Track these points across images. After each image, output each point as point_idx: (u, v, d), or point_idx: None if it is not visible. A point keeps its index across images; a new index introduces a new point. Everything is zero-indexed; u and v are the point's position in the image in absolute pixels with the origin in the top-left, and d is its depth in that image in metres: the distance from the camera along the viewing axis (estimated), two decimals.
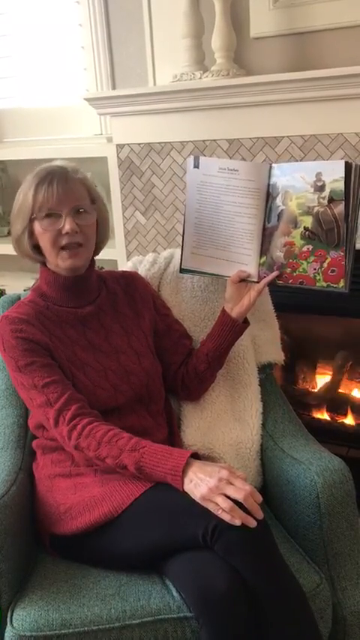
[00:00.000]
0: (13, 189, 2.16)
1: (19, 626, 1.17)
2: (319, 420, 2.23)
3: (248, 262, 1.49)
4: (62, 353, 1.41)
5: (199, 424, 1.56)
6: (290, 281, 1.44)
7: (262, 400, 1.61)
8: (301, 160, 1.81)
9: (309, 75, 1.70)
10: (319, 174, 1.36)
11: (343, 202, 1.34)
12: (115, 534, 1.26)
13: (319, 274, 1.40)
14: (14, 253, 1.50)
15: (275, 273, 1.45)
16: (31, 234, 1.42)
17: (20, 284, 2.37)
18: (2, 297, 1.68)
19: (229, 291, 1.52)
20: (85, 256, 1.44)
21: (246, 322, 1.55)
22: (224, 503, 1.14)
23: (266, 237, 1.46)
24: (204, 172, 1.49)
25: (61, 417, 1.32)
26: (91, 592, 1.24)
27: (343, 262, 1.37)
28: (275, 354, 1.69)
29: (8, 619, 1.19)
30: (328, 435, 1.90)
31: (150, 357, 1.51)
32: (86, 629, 1.16)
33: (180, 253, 1.58)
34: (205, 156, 1.91)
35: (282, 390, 1.73)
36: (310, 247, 1.40)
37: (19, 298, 1.61)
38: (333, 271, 1.38)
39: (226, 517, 1.14)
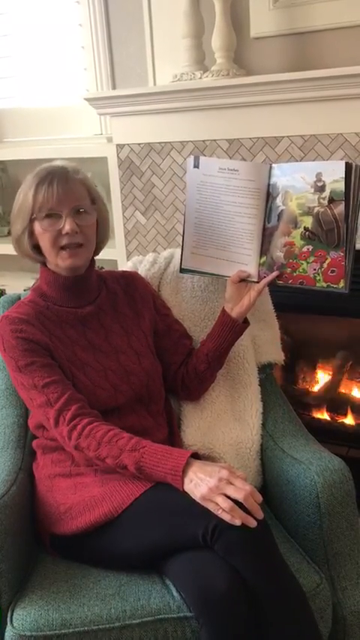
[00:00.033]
0: (13, 189, 2.16)
1: (20, 626, 1.17)
2: (319, 420, 2.23)
3: (248, 262, 1.49)
4: (62, 353, 1.41)
5: (199, 424, 1.56)
6: (290, 281, 1.44)
7: (262, 400, 1.61)
8: (301, 160, 1.81)
9: (309, 75, 1.70)
10: (319, 175, 1.36)
11: (344, 203, 1.34)
12: (115, 534, 1.26)
13: (319, 274, 1.40)
14: (14, 253, 1.50)
15: (275, 274, 1.45)
16: (31, 234, 1.42)
17: (20, 284, 2.37)
18: (2, 297, 1.68)
19: (229, 291, 1.52)
20: (85, 256, 1.44)
21: (246, 322, 1.55)
22: (224, 503, 1.15)
23: (266, 237, 1.46)
24: (204, 172, 1.49)
25: (62, 417, 1.32)
26: (91, 592, 1.24)
27: (343, 263, 1.37)
28: (275, 354, 1.69)
29: (8, 619, 1.20)
30: (328, 435, 1.90)
31: (150, 357, 1.51)
32: (86, 628, 1.16)
33: (180, 253, 1.58)
34: (205, 156, 1.91)
35: (282, 390, 1.73)
36: (310, 247, 1.40)
37: (19, 298, 1.61)
38: (333, 271, 1.39)
39: (226, 517, 1.14)
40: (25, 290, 1.91)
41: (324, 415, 2.24)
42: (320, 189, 1.37)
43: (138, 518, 1.24)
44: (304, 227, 1.40)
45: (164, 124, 1.99)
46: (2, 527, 1.25)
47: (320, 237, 1.39)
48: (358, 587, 1.34)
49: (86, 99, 2.06)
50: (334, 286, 1.39)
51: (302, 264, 1.42)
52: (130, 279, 1.59)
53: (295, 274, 1.43)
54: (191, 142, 1.97)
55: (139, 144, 2.07)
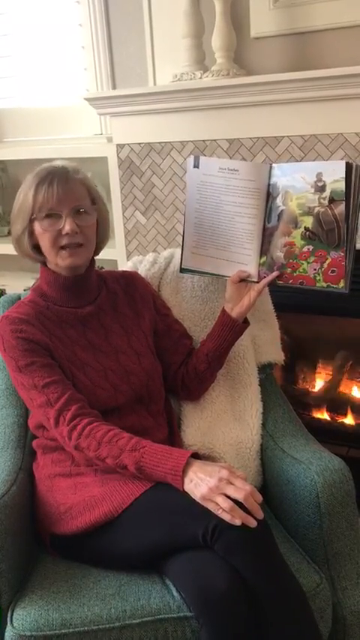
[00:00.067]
0: (13, 189, 2.16)
1: (20, 626, 1.17)
2: (319, 419, 2.23)
3: (248, 262, 1.49)
4: (62, 353, 1.41)
5: (199, 424, 1.56)
6: (290, 281, 1.44)
7: (262, 400, 1.61)
8: (301, 160, 1.81)
9: (309, 75, 1.70)
10: (319, 175, 1.36)
11: (344, 203, 1.34)
12: (115, 534, 1.26)
13: (319, 274, 1.40)
14: (14, 253, 1.50)
15: (275, 274, 1.45)
16: (31, 234, 1.42)
17: (20, 284, 2.37)
18: (2, 297, 1.68)
19: (229, 291, 1.52)
20: (85, 256, 1.44)
21: (246, 322, 1.55)
22: (224, 502, 1.15)
23: (266, 237, 1.46)
24: (204, 172, 1.49)
25: (62, 417, 1.32)
26: (91, 592, 1.24)
27: (344, 263, 1.37)
28: (275, 354, 1.69)
29: (8, 619, 1.20)
30: (328, 435, 1.90)
31: (150, 357, 1.51)
32: (86, 628, 1.16)
33: (180, 253, 1.58)
34: (205, 156, 1.91)
35: (282, 389, 1.73)
36: (311, 247, 1.40)
37: (19, 298, 1.61)
38: (333, 272, 1.38)
39: (226, 517, 1.14)
40: (25, 290, 1.91)
41: (324, 415, 2.24)
42: (320, 189, 1.37)
43: (138, 518, 1.24)
44: (305, 227, 1.40)
45: (164, 124, 1.99)
46: (2, 527, 1.25)
47: (320, 237, 1.39)
48: (358, 587, 1.34)
49: (86, 99, 2.06)
50: (335, 286, 1.39)
51: (302, 264, 1.42)
52: (130, 279, 1.59)
53: (295, 274, 1.43)
54: (191, 141, 1.97)
55: (139, 144, 2.07)
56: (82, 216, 1.40)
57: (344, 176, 1.33)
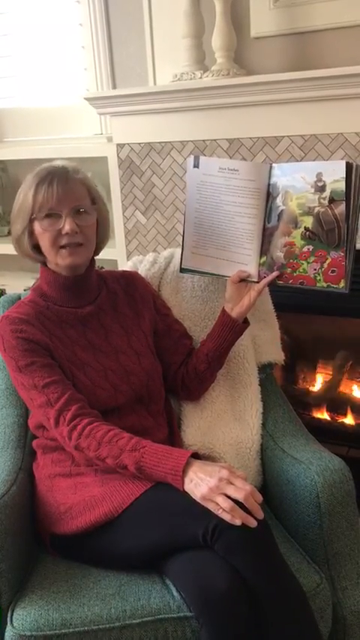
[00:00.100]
0: (13, 189, 2.16)
1: (20, 626, 1.17)
2: (319, 419, 2.23)
3: (248, 262, 1.49)
4: (62, 353, 1.40)
5: (199, 424, 1.56)
6: (290, 281, 1.44)
7: (262, 400, 1.61)
8: (301, 160, 1.81)
9: (309, 75, 1.70)
10: (319, 175, 1.36)
11: (344, 203, 1.34)
12: (115, 534, 1.26)
13: (319, 274, 1.40)
14: (14, 253, 1.50)
15: (275, 274, 1.45)
16: (31, 234, 1.42)
17: (20, 284, 2.37)
18: (2, 297, 1.68)
19: (229, 291, 1.52)
20: (85, 255, 1.44)
21: (246, 322, 1.55)
22: (225, 502, 1.14)
23: (266, 237, 1.46)
24: (204, 172, 1.49)
25: (62, 417, 1.32)
26: (92, 592, 1.24)
27: (344, 263, 1.37)
28: (275, 354, 1.69)
29: (8, 619, 1.20)
30: (328, 435, 1.90)
31: (150, 357, 1.51)
32: (86, 628, 1.16)
33: (180, 253, 1.58)
34: (205, 155, 1.91)
35: (282, 389, 1.73)
36: (311, 247, 1.40)
37: (20, 298, 1.61)
38: (333, 272, 1.38)
39: (226, 517, 1.14)
40: (25, 290, 1.91)
41: (324, 415, 2.24)
42: (321, 189, 1.37)
43: (138, 518, 1.24)
44: (305, 227, 1.40)
45: (164, 124, 1.99)
46: (2, 527, 1.25)
47: (321, 237, 1.39)
48: (358, 587, 1.34)
49: (86, 98, 2.06)
50: (335, 286, 1.39)
51: (302, 264, 1.42)
52: (131, 279, 1.59)
53: (295, 274, 1.43)
54: (191, 141, 1.97)
55: (139, 143, 2.07)
56: (82, 216, 1.40)
57: (344, 176, 1.33)
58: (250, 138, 1.88)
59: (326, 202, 1.36)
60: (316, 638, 1.17)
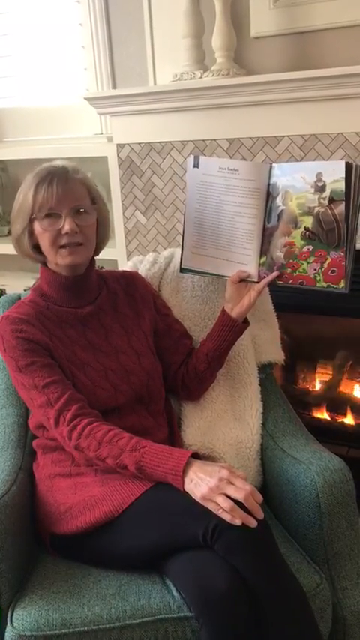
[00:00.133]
0: (13, 189, 2.16)
1: (20, 626, 1.17)
2: (319, 419, 2.23)
3: (248, 262, 1.49)
4: (62, 353, 1.40)
5: (199, 424, 1.56)
6: (290, 281, 1.44)
7: (262, 400, 1.61)
8: (301, 160, 1.81)
9: (309, 74, 1.70)
10: (319, 175, 1.36)
11: (344, 203, 1.34)
12: (115, 534, 1.26)
13: (319, 274, 1.40)
14: (14, 253, 1.50)
15: (275, 274, 1.45)
16: (31, 233, 1.42)
17: (20, 284, 2.37)
18: (2, 297, 1.68)
19: (229, 291, 1.52)
20: (85, 255, 1.43)
21: (246, 322, 1.55)
22: (225, 502, 1.14)
23: (266, 237, 1.46)
24: (204, 172, 1.49)
25: (62, 417, 1.32)
26: (92, 592, 1.24)
27: (344, 263, 1.37)
28: (275, 354, 1.69)
29: (8, 618, 1.20)
30: (328, 435, 1.90)
31: (150, 357, 1.51)
32: (86, 628, 1.16)
33: (180, 253, 1.58)
34: (205, 155, 1.91)
35: (282, 389, 1.73)
36: (311, 247, 1.40)
37: (20, 298, 1.61)
38: (333, 272, 1.38)
39: (226, 517, 1.14)
40: (25, 290, 1.91)
41: (324, 415, 2.24)
42: (320, 189, 1.36)
43: (138, 518, 1.24)
44: (305, 227, 1.40)
45: (164, 124, 1.99)
46: (2, 527, 1.25)
47: (321, 237, 1.39)
48: (358, 587, 1.34)
49: (86, 98, 2.06)
50: (335, 286, 1.39)
51: (302, 264, 1.42)
52: (131, 278, 1.59)
53: (295, 274, 1.43)
54: (191, 141, 1.97)
55: (139, 143, 2.07)
56: (82, 215, 1.40)
57: (344, 176, 1.33)
58: (250, 138, 1.88)
59: (326, 202, 1.36)
60: (316, 638, 1.17)
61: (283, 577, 1.16)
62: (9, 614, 1.20)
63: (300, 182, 1.39)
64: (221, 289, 1.60)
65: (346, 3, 1.74)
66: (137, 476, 1.26)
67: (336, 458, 1.40)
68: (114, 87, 2.28)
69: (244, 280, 1.50)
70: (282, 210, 1.43)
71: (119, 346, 1.48)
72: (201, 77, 1.88)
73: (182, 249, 1.56)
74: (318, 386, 2.28)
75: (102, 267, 1.69)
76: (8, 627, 1.18)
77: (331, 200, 1.36)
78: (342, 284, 1.38)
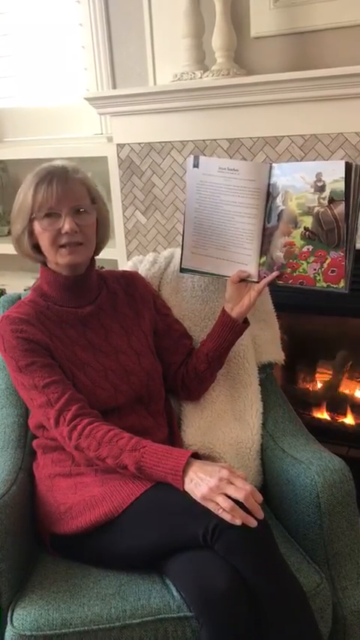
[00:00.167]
0: (13, 189, 2.16)
1: (20, 626, 1.17)
2: (319, 419, 2.23)
3: (248, 262, 1.49)
4: (62, 353, 1.41)
5: (199, 424, 1.56)
6: (290, 281, 1.44)
7: (262, 400, 1.61)
8: (301, 160, 1.81)
9: (309, 74, 1.70)
10: (319, 175, 1.36)
11: (344, 203, 1.34)
12: (115, 534, 1.26)
13: (319, 274, 1.40)
14: (14, 253, 1.50)
15: (275, 274, 1.45)
16: (31, 233, 1.42)
17: (20, 283, 2.37)
18: (2, 297, 1.68)
19: (229, 291, 1.52)
20: (85, 254, 1.43)
21: (246, 322, 1.55)
22: (225, 502, 1.14)
23: (266, 237, 1.46)
24: (204, 172, 1.49)
25: (62, 417, 1.32)
26: (92, 591, 1.24)
27: (344, 263, 1.37)
28: (275, 354, 1.69)
29: (8, 618, 1.20)
30: (328, 435, 1.90)
31: (150, 357, 1.51)
32: (86, 628, 1.16)
33: (180, 253, 1.58)
34: (205, 155, 1.91)
35: (282, 389, 1.73)
36: (311, 247, 1.40)
37: (20, 298, 1.61)
38: (333, 272, 1.38)
39: (226, 517, 1.14)
40: (25, 290, 1.91)
41: (324, 415, 2.24)
42: (320, 189, 1.37)
43: (138, 518, 1.24)
44: (304, 227, 1.40)
45: (164, 124, 1.99)
46: (2, 527, 1.25)
47: (320, 237, 1.39)
48: (358, 587, 1.34)
49: (86, 98, 2.06)
50: (335, 286, 1.39)
51: (302, 264, 1.42)
52: (131, 278, 1.59)
53: (295, 274, 1.43)
54: (191, 141, 1.97)
55: (139, 143, 2.07)
56: (82, 215, 1.40)
57: (344, 176, 1.33)
58: (250, 138, 1.88)
59: (326, 202, 1.36)
60: (316, 638, 1.17)
61: (283, 577, 1.16)
62: (9, 614, 1.20)
63: (300, 182, 1.39)
64: (221, 289, 1.61)
65: (346, 3, 1.74)
66: (137, 476, 1.26)
67: (336, 458, 1.40)
68: (114, 87, 2.28)
69: (244, 280, 1.50)
70: (282, 210, 1.43)
71: (119, 346, 1.48)
72: (201, 77, 1.88)
73: (182, 249, 1.56)
74: (318, 386, 2.28)
75: (102, 267, 1.69)
76: (8, 627, 1.18)
77: (331, 200, 1.36)
78: (342, 284, 1.38)
